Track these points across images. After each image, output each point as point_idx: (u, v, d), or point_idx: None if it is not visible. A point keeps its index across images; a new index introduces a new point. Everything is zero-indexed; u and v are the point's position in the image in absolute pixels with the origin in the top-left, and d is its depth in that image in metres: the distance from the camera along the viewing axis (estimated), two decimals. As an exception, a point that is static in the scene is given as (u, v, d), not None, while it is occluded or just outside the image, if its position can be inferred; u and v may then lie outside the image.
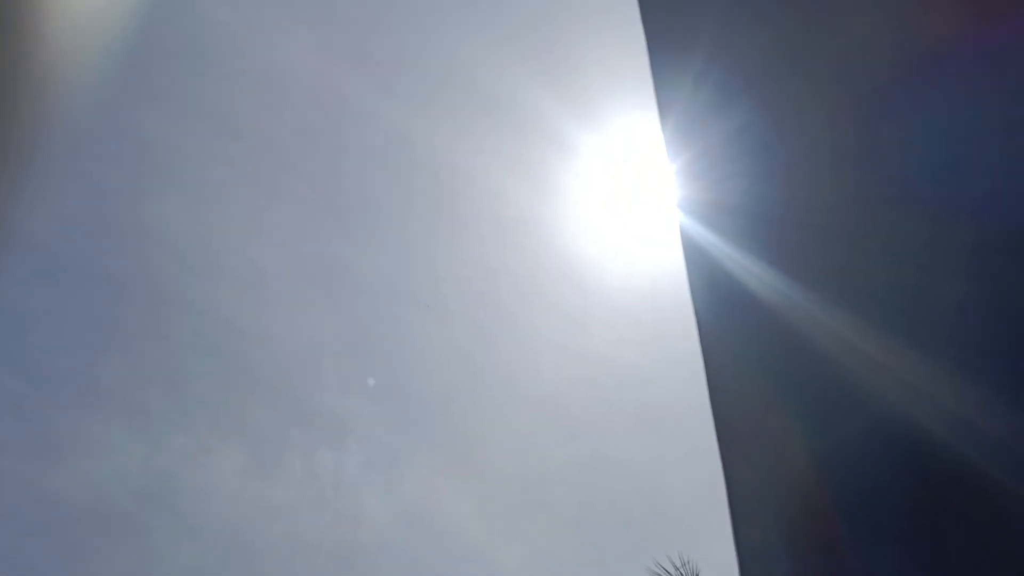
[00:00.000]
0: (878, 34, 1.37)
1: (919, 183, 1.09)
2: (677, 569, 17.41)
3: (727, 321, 1.39)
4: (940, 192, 1.06)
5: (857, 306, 1.15)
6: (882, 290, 1.15)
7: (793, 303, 1.30)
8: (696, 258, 1.43)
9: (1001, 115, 1.05)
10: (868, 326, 1.11)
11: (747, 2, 1.75)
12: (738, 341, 1.40)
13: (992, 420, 0.90)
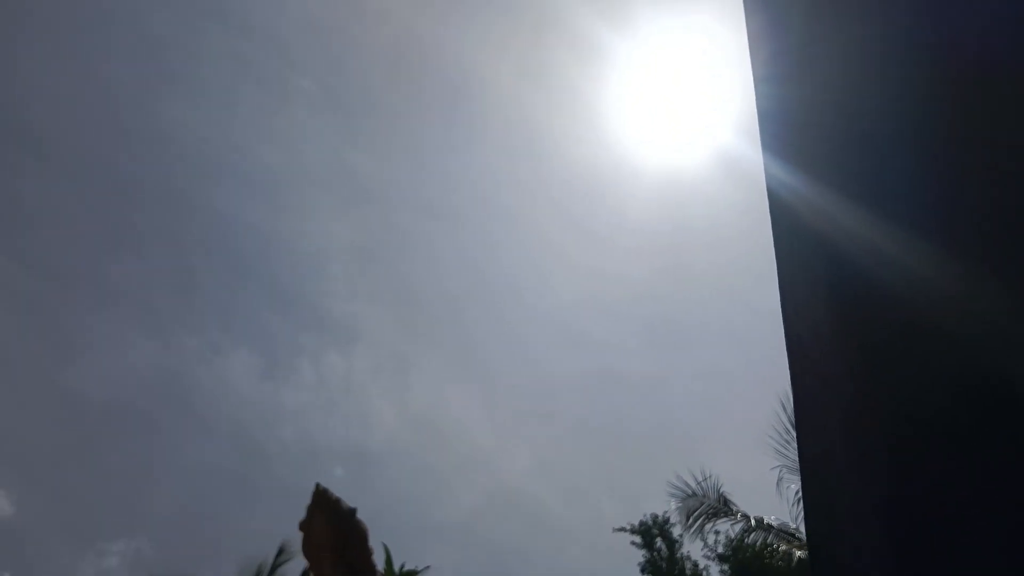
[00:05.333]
0: None
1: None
2: (699, 483, 17.59)
3: (807, 249, 1.25)
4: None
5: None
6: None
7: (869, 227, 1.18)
8: (779, 183, 1.28)
9: None
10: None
11: None
12: (815, 264, 1.28)
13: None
